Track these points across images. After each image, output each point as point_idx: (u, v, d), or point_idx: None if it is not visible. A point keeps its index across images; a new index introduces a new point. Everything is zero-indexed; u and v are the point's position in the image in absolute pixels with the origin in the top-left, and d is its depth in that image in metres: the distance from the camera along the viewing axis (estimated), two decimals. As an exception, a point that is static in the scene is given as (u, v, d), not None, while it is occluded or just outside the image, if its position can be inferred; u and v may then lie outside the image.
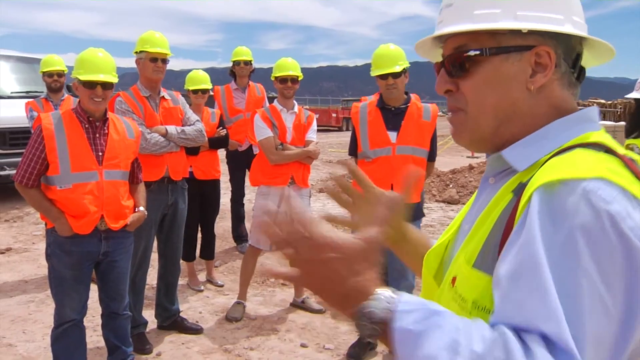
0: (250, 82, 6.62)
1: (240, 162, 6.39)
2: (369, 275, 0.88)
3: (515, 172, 1.01)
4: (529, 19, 1.01)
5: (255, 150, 6.29)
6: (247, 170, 6.28)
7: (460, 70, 1.06)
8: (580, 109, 1.05)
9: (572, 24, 1.02)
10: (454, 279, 1.01)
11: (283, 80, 4.67)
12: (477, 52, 1.03)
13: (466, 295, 0.95)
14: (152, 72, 4.14)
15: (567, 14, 1.03)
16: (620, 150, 0.95)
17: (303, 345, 4.26)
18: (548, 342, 0.77)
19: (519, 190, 0.94)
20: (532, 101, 1.03)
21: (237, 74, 6.55)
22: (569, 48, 1.03)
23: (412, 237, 1.36)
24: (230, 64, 6.65)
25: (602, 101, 33.77)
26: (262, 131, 4.60)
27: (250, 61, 6.58)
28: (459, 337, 0.79)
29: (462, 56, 1.05)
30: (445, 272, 1.11)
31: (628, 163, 0.91)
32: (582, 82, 1.08)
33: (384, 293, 0.86)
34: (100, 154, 3.27)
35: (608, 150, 0.93)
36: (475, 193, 1.18)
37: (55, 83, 5.75)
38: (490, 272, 0.91)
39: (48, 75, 5.75)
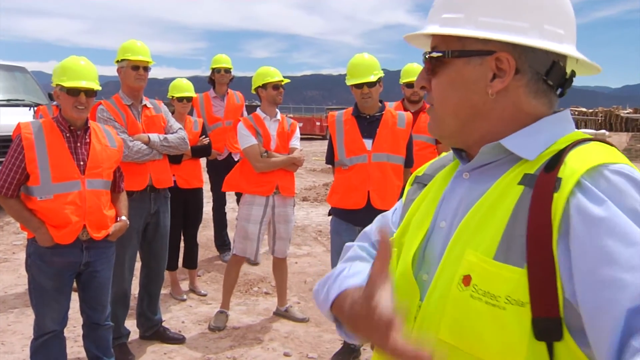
0: (230, 90, 6.61)
1: (220, 170, 6.27)
2: None
3: (501, 166, 1.04)
4: (488, 26, 1.03)
5: (236, 158, 6.28)
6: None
7: (431, 69, 1.11)
8: (560, 111, 1.08)
9: (540, 33, 1.02)
10: (466, 278, 0.97)
11: (276, 86, 4.68)
12: (440, 54, 1.08)
13: (496, 291, 0.93)
14: (134, 80, 4.12)
15: (536, 21, 1.02)
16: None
17: (286, 355, 4.24)
18: None
19: (530, 181, 0.97)
20: (494, 105, 1.05)
21: (216, 81, 6.53)
22: (538, 56, 1.03)
23: None
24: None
25: (584, 109, 34.21)
26: (246, 139, 4.60)
27: (230, 69, 6.57)
28: None
29: (429, 57, 1.10)
30: (419, 271, 1.10)
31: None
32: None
33: None
34: (82, 163, 3.24)
35: (611, 145, 1.01)
36: (433, 191, 1.19)
37: None
38: (520, 265, 0.91)
39: None
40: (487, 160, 1.06)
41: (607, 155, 0.95)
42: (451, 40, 1.07)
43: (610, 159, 0.93)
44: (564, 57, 1.05)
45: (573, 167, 0.92)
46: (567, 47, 1.04)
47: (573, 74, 1.08)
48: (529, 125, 1.04)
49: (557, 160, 0.96)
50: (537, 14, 1.03)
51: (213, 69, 6.54)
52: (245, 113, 6.55)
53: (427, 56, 1.12)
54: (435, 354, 0.89)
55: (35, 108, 5.87)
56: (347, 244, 1.43)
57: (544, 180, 0.94)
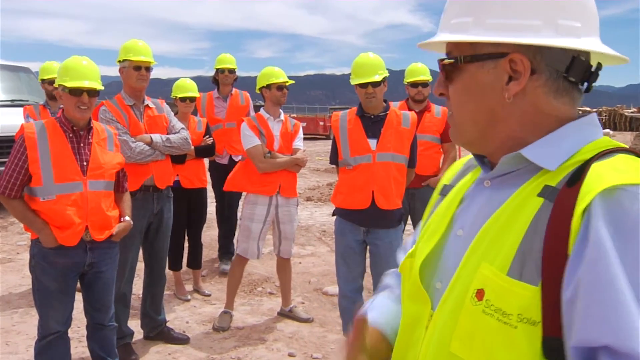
0: (235, 90, 6.44)
1: (222, 173, 6.03)
2: None
3: (522, 175, 0.99)
4: (498, 28, 0.99)
5: (237, 159, 6.19)
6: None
7: (446, 76, 1.07)
8: (586, 114, 1.02)
9: (554, 29, 0.97)
10: (480, 292, 0.95)
11: (280, 87, 4.67)
12: (452, 60, 1.05)
13: (508, 308, 0.90)
14: (135, 81, 4.11)
15: (549, 18, 0.97)
16: None
17: (291, 355, 4.23)
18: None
19: (551, 194, 0.92)
20: (512, 108, 1.01)
21: (220, 82, 6.38)
22: (555, 53, 0.98)
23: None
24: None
25: (588, 109, 34.12)
26: (250, 139, 4.60)
27: (234, 69, 6.43)
28: None
29: (441, 64, 1.07)
30: (432, 279, 1.08)
31: None
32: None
33: None
34: (84, 163, 3.23)
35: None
36: (452, 197, 1.16)
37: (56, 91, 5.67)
38: (534, 283, 0.88)
39: (49, 82, 5.63)
40: (507, 169, 1.02)
41: (632, 174, 0.87)
42: (463, 45, 1.04)
43: (635, 179, 0.85)
44: (585, 51, 1.00)
45: (591, 185, 0.88)
46: (585, 41, 0.98)
47: (599, 66, 1.02)
48: (552, 128, 0.99)
49: (580, 173, 0.91)
50: (549, 9, 0.97)
51: (217, 69, 6.40)
52: (252, 113, 6.41)
53: (440, 63, 1.08)
54: None
55: (22, 108, 5.81)
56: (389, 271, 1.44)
57: (566, 195, 0.90)
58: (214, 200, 6.50)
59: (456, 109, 1.08)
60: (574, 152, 0.96)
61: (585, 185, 0.88)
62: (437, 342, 1.01)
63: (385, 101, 4.03)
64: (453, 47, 1.06)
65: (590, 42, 0.99)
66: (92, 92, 3.25)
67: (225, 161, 6.21)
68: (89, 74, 3.26)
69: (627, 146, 0.96)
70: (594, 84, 1.03)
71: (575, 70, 0.98)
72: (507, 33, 0.98)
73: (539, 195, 0.94)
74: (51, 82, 5.63)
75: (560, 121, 1.00)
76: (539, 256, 0.89)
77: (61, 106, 5.64)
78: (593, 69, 1.01)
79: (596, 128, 1.01)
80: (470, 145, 1.10)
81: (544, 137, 0.99)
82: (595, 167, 0.91)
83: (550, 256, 0.88)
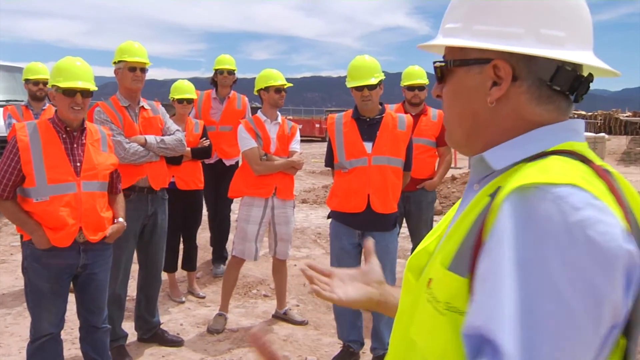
0: (233, 93, 6.30)
1: (212, 175, 6.02)
2: None
3: (495, 177, 1.02)
4: (483, 34, 1.02)
5: (228, 163, 6.16)
6: (220, 183, 6.07)
7: (439, 78, 1.12)
8: (566, 120, 1.03)
9: (536, 38, 0.99)
10: (429, 281, 1.01)
11: (278, 90, 4.67)
12: (442, 64, 1.09)
13: (440, 296, 0.96)
14: (131, 82, 4.11)
15: (532, 26, 0.99)
16: (597, 161, 0.96)
17: (285, 358, 4.22)
18: (496, 349, 0.80)
19: (494, 193, 0.95)
20: (495, 113, 1.03)
21: (219, 83, 6.23)
22: (539, 61, 0.99)
23: (395, 298, 1.36)
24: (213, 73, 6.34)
25: (583, 112, 34.22)
26: (246, 142, 4.59)
27: (234, 70, 6.30)
28: None
29: (434, 66, 1.11)
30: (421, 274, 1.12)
31: (601, 174, 0.91)
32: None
33: None
34: (78, 164, 3.22)
35: (584, 160, 0.94)
36: (460, 200, 1.19)
37: (40, 92, 5.61)
38: (463, 274, 0.92)
39: (33, 83, 5.62)
40: (482, 172, 1.05)
41: (551, 174, 0.88)
42: (455, 50, 1.07)
43: (551, 179, 0.86)
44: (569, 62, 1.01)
45: (508, 182, 0.91)
46: (566, 53, 0.99)
47: (590, 77, 1.03)
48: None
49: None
50: (532, 18, 1.00)
51: (216, 70, 6.26)
52: (249, 116, 6.27)
53: (433, 65, 1.12)
54: None
55: (2, 108, 5.75)
56: None
57: (497, 193, 0.93)
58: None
59: (446, 111, 1.12)
60: (533, 153, 0.98)
61: (508, 183, 0.90)
62: (403, 327, 1.09)
63: (381, 104, 4.03)
64: (447, 51, 1.10)
65: (572, 53, 0.99)
66: (86, 93, 3.23)
67: (212, 161, 6.03)
68: (83, 74, 3.25)
69: (581, 151, 0.97)
70: (585, 93, 1.04)
71: (560, 79, 1.00)
72: (489, 39, 1.01)
73: (489, 194, 0.97)
74: (36, 82, 5.61)
75: (538, 127, 1.02)
76: (471, 251, 0.93)
77: (44, 107, 5.63)
78: (583, 79, 1.02)
79: (570, 133, 1.02)
80: (459, 146, 1.13)
81: (510, 140, 1.02)
82: (525, 167, 0.94)
83: (474, 249, 0.92)
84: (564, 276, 0.80)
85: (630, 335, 0.90)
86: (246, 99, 6.46)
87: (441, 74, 1.10)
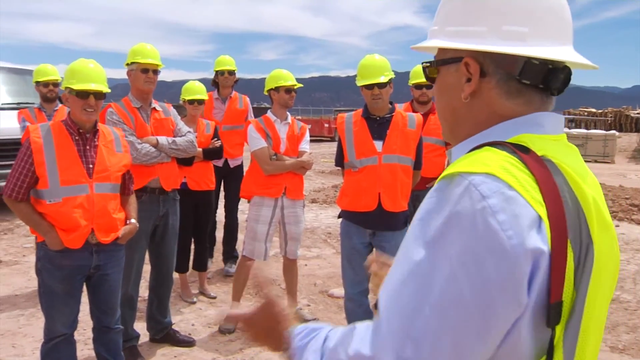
0: (235, 93, 6.36)
1: (218, 176, 6.01)
2: (277, 324, 1.21)
3: None
4: (453, 35, 1.09)
5: (233, 164, 6.19)
6: (227, 184, 6.23)
7: (427, 77, 1.20)
8: (531, 114, 1.05)
9: (498, 35, 1.03)
10: None
11: (288, 90, 4.68)
12: (427, 64, 1.17)
13: None
14: (143, 83, 4.14)
15: (494, 24, 1.04)
16: (543, 152, 0.98)
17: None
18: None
19: None
20: (470, 108, 1.09)
21: (220, 84, 6.29)
22: (504, 57, 1.03)
23: None
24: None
25: (593, 110, 34.02)
26: (256, 142, 4.61)
27: (234, 70, 6.33)
28: (327, 341, 1.04)
29: (422, 67, 1.20)
30: None
31: (531, 164, 0.94)
32: (571, 91, 1.07)
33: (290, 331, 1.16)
34: (90, 166, 3.24)
35: (522, 150, 0.97)
36: None
37: (51, 93, 5.65)
38: None
39: (43, 85, 5.65)
40: None
41: (475, 164, 0.94)
42: (440, 50, 1.15)
43: (472, 168, 0.93)
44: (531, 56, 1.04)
45: (444, 172, 0.98)
46: (525, 49, 1.01)
47: (567, 69, 1.05)
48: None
49: None
50: (494, 16, 1.04)
51: (216, 72, 6.32)
52: (250, 117, 6.33)
53: (422, 66, 1.20)
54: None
55: (18, 111, 5.80)
56: None
57: None
58: (220, 203, 6.48)
59: (436, 108, 1.20)
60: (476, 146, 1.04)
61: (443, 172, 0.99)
62: None
63: (391, 103, 4.02)
64: (437, 52, 1.17)
65: (531, 49, 1.02)
66: (99, 95, 3.25)
67: (220, 164, 6.09)
68: (96, 76, 3.27)
69: (519, 142, 1.00)
70: (564, 86, 1.07)
71: (528, 73, 1.03)
72: (456, 39, 1.07)
73: None
74: (46, 84, 5.64)
75: (507, 120, 1.06)
76: None
77: (56, 108, 5.66)
78: (556, 72, 1.03)
79: (528, 126, 1.04)
80: (448, 140, 1.20)
81: (474, 136, 1.08)
82: (461, 158, 1.01)
83: None
84: (459, 258, 0.87)
85: (566, 322, 0.93)
86: (247, 98, 6.52)
87: (430, 74, 1.17)
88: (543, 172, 0.93)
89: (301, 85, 4.84)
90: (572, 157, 1.03)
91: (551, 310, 0.89)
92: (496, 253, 0.85)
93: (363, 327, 0.98)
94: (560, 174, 0.96)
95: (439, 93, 1.16)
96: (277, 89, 4.68)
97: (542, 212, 0.89)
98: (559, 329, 0.92)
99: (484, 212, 0.87)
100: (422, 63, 1.19)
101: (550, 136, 1.04)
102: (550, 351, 0.92)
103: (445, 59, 1.11)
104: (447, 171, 0.96)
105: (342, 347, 0.98)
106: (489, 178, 0.90)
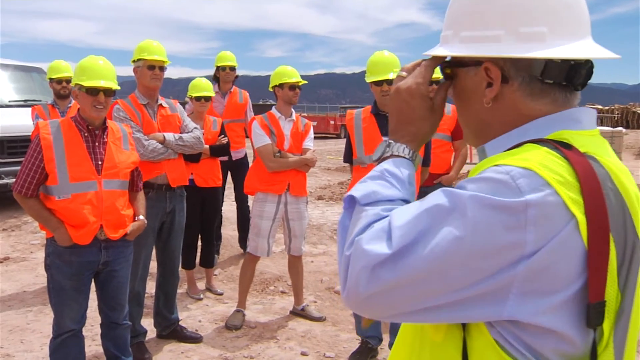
0: (235, 88, 6.50)
1: (225, 170, 6.16)
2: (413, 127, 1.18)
3: None
4: (469, 40, 1.05)
5: (236, 156, 6.24)
6: (234, 177, 6.35)
7: (445, 79, 1.16)
8: (564, 110, 1.04)
9: (516, 37, 1.00)
10: None
11: (293, 87, 4.69)
12: (446, 65, 1.14)
13: None
14: (149, 80, 4.15)
15: (511, 26, 1.00)
16: (585, 149, 0.96)
17: (303, 354, 4.24)
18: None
19: None
20: (493, 112, 1.06)
21: (221, 79, 6.44)
22: (523, 59, 1.00)
23: None
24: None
25: (600, 107, 33.86)
26: (260, 138, 4.61)
27: (235, 66, 6.47)
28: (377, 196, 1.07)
29: (441, 68, 1.16)
30: None
31: (571, 159, 0.93)
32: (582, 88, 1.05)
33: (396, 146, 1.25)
34: (99, 162, 3.25)
35: (564, 147, 0.95)
36: None
37: (64, 90, 5.68)
38: None
39: (57, 81, 5.69)
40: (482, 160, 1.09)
41: (515, 158, 0.94)
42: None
43: (513, 162, 0.92)
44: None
45: (482, 166, 0.98)
46: (546, 52, 0.99)
47: (589, 62, 1.03)
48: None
49: None
50: (511, 18, 1.01)
51: (218, 67, 6.45)
52: (249, 112, 6.51)
53: (440, 67, 1.17)
54: None
55: (31, 108, 5.86)
56: None
57: None
58: (233, 200, 6.52)
59: (458, 113, 1.17)
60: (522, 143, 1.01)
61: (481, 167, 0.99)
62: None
63: None
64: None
65: (552, 50, 0.99)
66: (109, 92, 3.27)
67: (225, 158, 6.14)
68: (106, 73, 3.29)
69: (562, 139, 0.98)
70: (586, 80, 1.05)
71: (550, 72, 1.00)
72: (473, 45, 1.04)
73: None
74: (59, 81, 5.66)
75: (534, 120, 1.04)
76: None
77: (69, 105, 5.68)
78: (578, 67, 1.01)
79: (565, 122, 1.02)
80: (473, 145, 1.17)
81: (511, 131, 1.05)
82: (501, 154, 1.00)
83: None
84: (475, 217, 0.87)
85: (614, 323, 0.90)
86: (247, 93, 6.66)
87: (446, 76, 1.14)
88: (585, 168, 0.92)
89: (305, 82, 4.84)
90: (609, 152, 1.01)
91: (591, 310, 0.86)
92: (515, 243, 0.87)
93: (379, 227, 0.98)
94: (604, 171, 0.94)
95: (458, 98, 1.13)
96: (281, 85, 4.68)
97: (578, 211, 0.87)
98: (606, 330, 0.89)
99: (517, 206, 0.87)
100: (441, 64, 1.15)
101: (587, 132, 1.02)
102: (593, 353, 0.89)
103: (464, 61, 1.08)
104: (486, 163, 0.96)
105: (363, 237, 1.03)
106: (527, 172, 0.89)
